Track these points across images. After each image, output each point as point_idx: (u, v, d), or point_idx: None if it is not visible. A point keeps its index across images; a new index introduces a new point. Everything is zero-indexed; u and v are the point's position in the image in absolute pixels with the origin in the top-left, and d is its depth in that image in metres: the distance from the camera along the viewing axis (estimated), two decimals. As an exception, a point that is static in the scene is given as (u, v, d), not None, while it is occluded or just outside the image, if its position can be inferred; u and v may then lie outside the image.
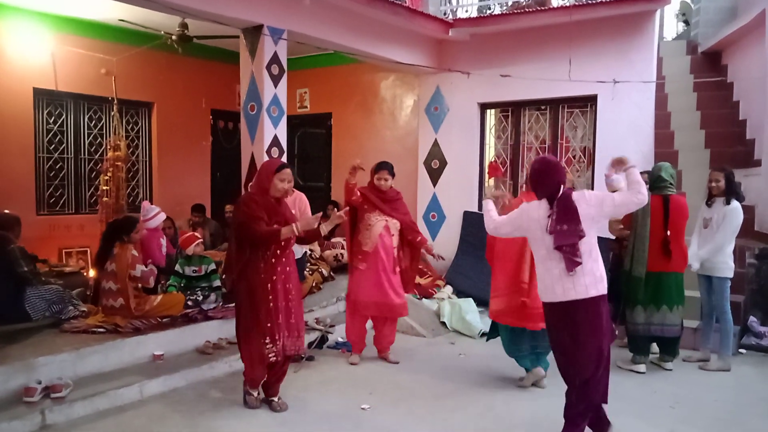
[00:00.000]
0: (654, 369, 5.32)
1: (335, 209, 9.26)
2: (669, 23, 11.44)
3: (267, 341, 4.09)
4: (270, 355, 4.10)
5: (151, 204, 6.05)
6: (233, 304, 4.35)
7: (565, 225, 3.45)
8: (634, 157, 6.82)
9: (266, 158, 5.99)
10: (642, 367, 5.22)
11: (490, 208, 3.95)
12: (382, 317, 5.37)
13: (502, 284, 4.64)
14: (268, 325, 4.08)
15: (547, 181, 3.57)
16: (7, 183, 7.06)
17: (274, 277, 4.11)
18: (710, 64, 8.53)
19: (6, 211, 5.58)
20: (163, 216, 5.89)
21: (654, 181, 5.24)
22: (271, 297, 4.09)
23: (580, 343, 3.48)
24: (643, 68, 6.97)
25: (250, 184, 4.07)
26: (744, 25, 7.34)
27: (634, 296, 5.21)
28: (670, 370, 5.26)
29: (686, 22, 10.85)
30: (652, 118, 7.11)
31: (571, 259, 3.43)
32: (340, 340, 5.89)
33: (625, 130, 7.07)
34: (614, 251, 5.93)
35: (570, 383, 3.62)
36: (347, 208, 4.71)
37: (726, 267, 5.20)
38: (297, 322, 4.25)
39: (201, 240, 5.94)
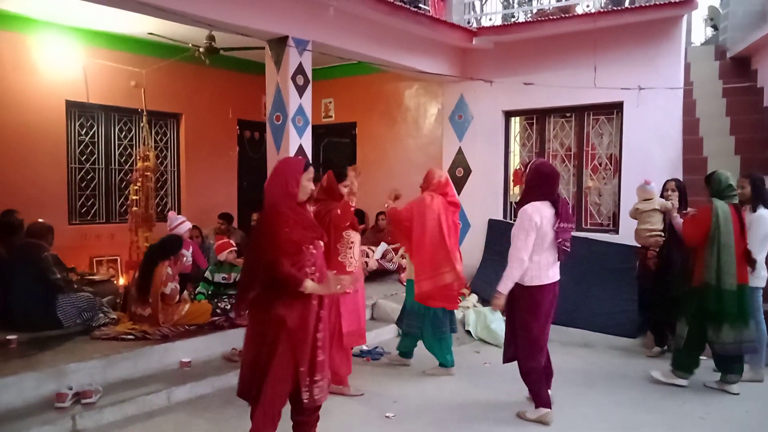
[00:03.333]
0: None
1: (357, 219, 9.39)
2: (697, 28, 11.32)
3: (304, 382, 3.29)
4: (308, 398, 3.32)
5: (178, 214, 6.15)
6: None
7: (567, 224, 4.24)
8: (661, 164, 6.84)
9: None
10: (735, 387, 4.93)
11: (511, 274, 4.22)
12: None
13: (423, 271, 5.08)
14: (305, 367, 3.28)
15: (554, 185, 4.30)
16: (40, 193, 7.25)
17: (322, 306, 3.37)
18: (739, 69, 8.38)
19: (39, 220, 5.72)
20: (187, 225, 5.97)
21: (725, 188, 4.89)
22: (320, 327, 3.35)
23: (551, 313, 4.35)
24: (670, 74, 6.89)
25: (269, 189, 3.34)
26: (774, 30, 7.22)
27: (728, 311, 4.73)
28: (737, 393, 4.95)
29: (715, 27, 10.70)
30: (680, 125, 7.02)
31: (565, 251, 4.25)
32: (365, 348, 5.90)
33: (651, 136, 6.99)
34: (641, 259, 5.85)
35: (540, 350, 4.29)
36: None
37: (756, 276, 5.08)
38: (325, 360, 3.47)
39: (234, 248, 6.01)
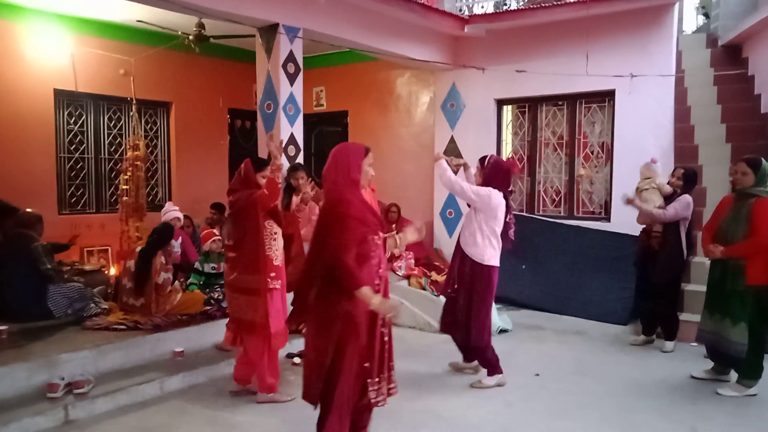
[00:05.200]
0: (675, 366, 5.27)
1: None
2: (689, 16, 11.29)
3: (372, 381, 3.20)
4: (376, 398, 3.24)
5: (172, 203, 6.11)
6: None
7: (512, 216, 4.84)
8: (654, 152, 6.84)
9: (284, 158, 6.01)
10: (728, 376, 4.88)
11: (446, 167, 4.78)
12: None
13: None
14: (371, 363, 3.19)
15: (510, 179, 4.82)
16: (29, 183, 7.17)
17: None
18: (731, 57, 8.40)
19: (28, 209, 5.67)
20: (173, 214, 5.94)
21: None
22: (379, 324, 3.19)
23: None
24: (662, 62, 6.90)
25: (330, 176, 3.17)
26: (765, 17, 7.21)
27: None
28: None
29: (706, 15, 10.69)
30: (672, 113, 7.03)
31: (511, 240, 4.81)
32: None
33: (643, 124, 7.01)
34: (642, 243, 5.81)
35: (484, 328, 4.73)
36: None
37: None
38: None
39: (218, 237, 5.98)
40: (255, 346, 4.30)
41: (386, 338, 3.24)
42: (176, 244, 6.24)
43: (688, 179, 5.62)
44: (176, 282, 5.78)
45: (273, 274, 4.27)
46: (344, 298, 3.02)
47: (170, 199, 8.78)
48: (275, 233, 4.31)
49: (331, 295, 3.05)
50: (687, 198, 5.51)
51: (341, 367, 3.07)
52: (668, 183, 5.71)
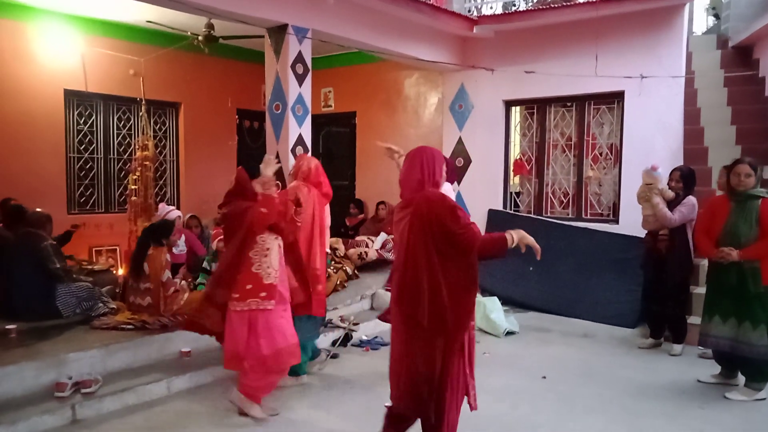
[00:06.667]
0: (683, 370, 5.24)
1: (357, 209, 9.29)
2: (699, 17, 11.23)
3: (472, 383, 3.25)
4: (475, 399, 3.30)
5: (177, 204, 6.13)
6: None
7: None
8: (662, 154, 6.81)
9: (291, 157, 6.02)
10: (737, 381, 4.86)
11: None
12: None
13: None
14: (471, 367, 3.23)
15: (455, 175, 4.79)
16: (39, 182, 7.22)
17: None
18: (741, 59, 8.34)
19: (38, 209, 5.70)
20: (176, 213, 5.96)
21: None
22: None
23: None
24: (672, 63, 6.86)
25: (415, 177, 3.20)
26: (776, 19, 7.18)
27: None
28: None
29: (716, 16, 10.64)
30: (681, 114, 7.00)
31: None
32: (364, 338, 5.92)
33: (653, 126, 6.97)
34: (648, 245, 5.77)
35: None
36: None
37: None
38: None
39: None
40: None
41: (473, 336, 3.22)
42: (181, 243, 6.27)
43: (687, 179, 5.58)
44: (183, 282, 5.79)
45: (264, 294, 3.91)
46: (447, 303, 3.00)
47: (178, 200, 8.83)
48: (268, 248, 3.96)
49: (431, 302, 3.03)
50: (692, 200, 5.49)
51: (449, 377, 3.06)
52: (669, 187, 5.65)
